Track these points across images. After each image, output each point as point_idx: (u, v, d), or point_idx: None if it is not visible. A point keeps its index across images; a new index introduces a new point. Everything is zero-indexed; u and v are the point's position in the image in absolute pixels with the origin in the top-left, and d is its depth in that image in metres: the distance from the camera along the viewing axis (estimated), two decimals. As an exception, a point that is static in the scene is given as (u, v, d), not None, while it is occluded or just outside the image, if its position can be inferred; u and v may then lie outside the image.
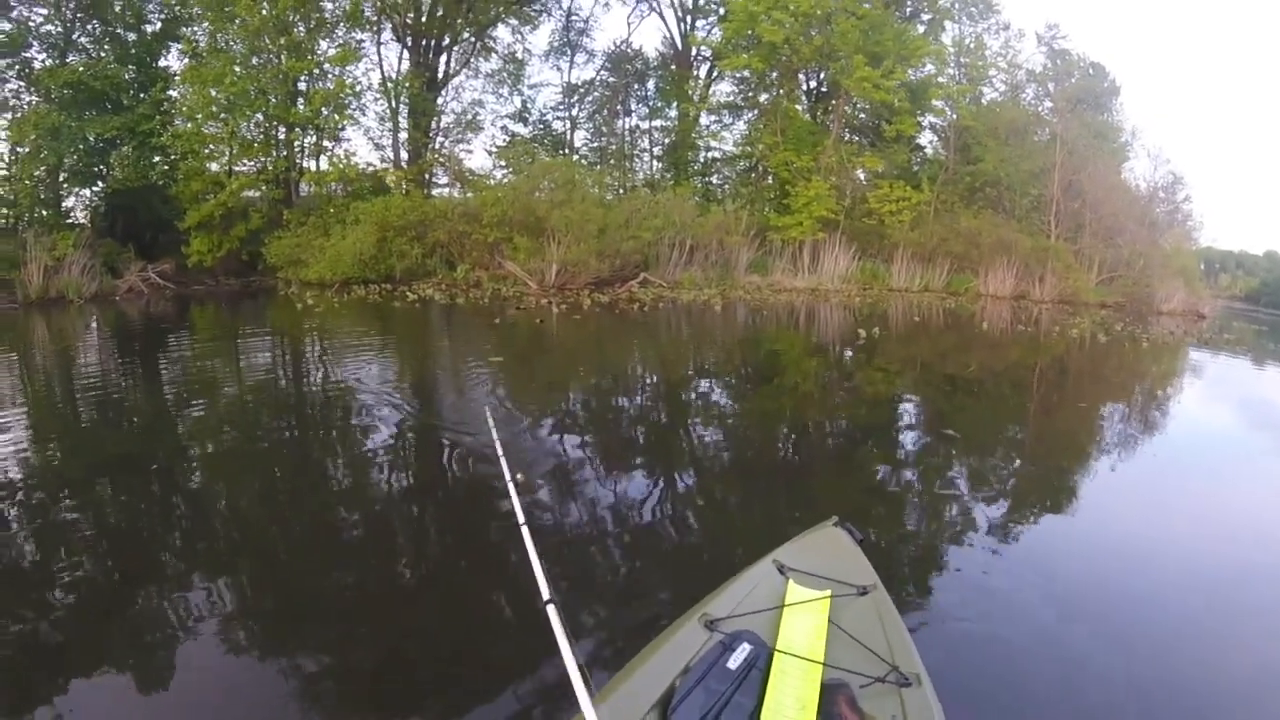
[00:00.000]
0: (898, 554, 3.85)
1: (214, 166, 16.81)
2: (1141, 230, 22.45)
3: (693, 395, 7.97)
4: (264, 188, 16.96)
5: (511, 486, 2.77)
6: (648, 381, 8.84)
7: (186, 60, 17.31)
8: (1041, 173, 21.07)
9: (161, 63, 17.99)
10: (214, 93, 16.13)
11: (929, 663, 1.86)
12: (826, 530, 2.59)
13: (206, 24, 17.19)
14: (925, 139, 23.20)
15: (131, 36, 17.58)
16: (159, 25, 18.06)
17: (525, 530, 2.37)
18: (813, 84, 22.61)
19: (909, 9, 21.94)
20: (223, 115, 16.45)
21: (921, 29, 21.62)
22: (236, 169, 17.03)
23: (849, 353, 10.78)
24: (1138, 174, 24.49)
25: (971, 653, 2.85)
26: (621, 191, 20.79)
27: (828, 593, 2.11)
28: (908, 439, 6.77)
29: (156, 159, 17.37)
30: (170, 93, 17.19)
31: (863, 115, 21.39)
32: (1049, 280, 20.56)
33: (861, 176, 20.78)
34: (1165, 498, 5.21)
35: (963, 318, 16.51)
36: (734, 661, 1.76)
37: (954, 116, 21.41)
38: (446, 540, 3.92)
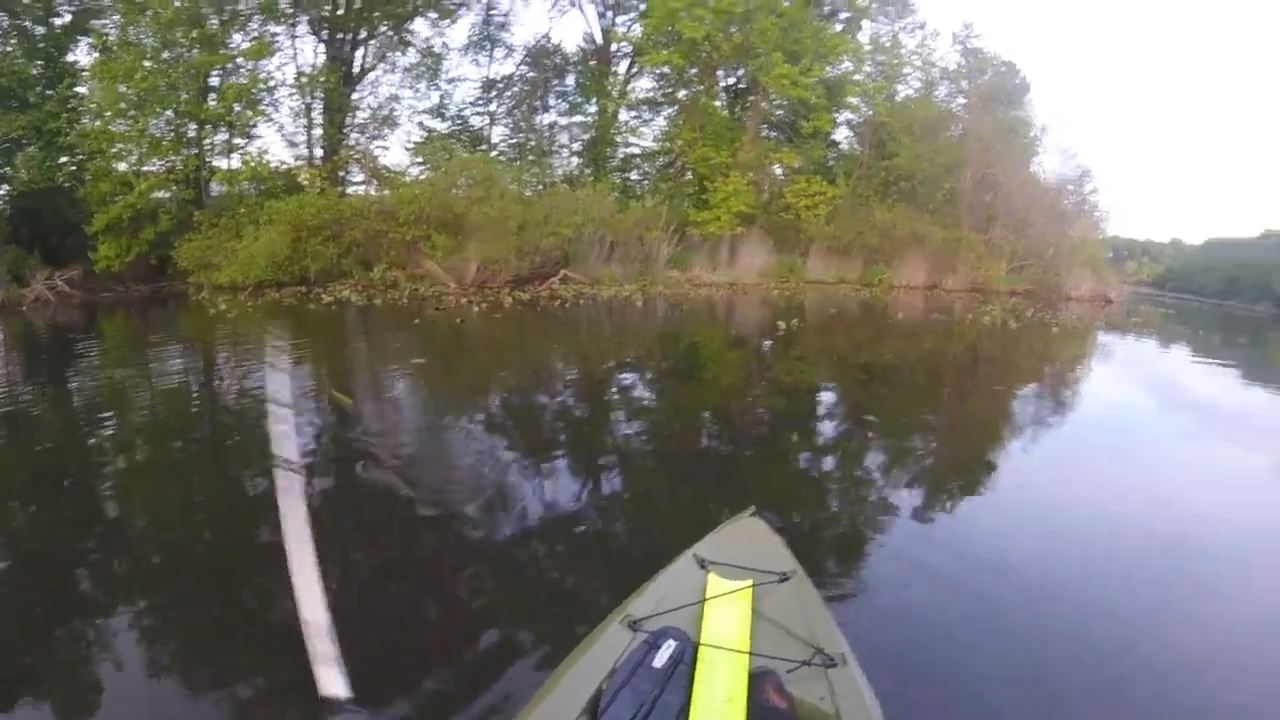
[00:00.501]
0: (821, 538, 3.94)
1: (122, 166, 16.22)
2: (1051, 221, 23.43)
3: (615, 391, 8.01)
4: (174, 188, 16.48)
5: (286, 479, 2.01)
6: (571, 379, 8.86)
7: (96, 55, 16.75)
8: (954, 167, 21.83)
9: (69, 57, 17.37)
10: (123, 89, 15.62)
11: (856, 643, 1.92)
12: (744, 521, 2.62)
13: (117, 16, 16.58)
14: (841, 135, 23.80)
15: (40, 30, 16.94)
16: (68, 18, 17.42)
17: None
18: (731, 80, 22.92)
19: (827, 7, 22.34)
20: (131, 112, 15.92)
21: (839, 27, 22.11)
22: (145, 169, 16.45)
23: (769, 344, 10.99)
24: (1047, 168, 25.42)
25: (898, 630, 2.96)
26: (540, 188, 20.78)
27: (749, 582, 2.11)
28: (828, 426, 6.98)
29: (63, 159, 16.82)
30: (78, 89, 16.66)
31: (780, 111, 21.82)
32: (961, 270, 21.42)
33: (778, 172, 21.26)
34: (1081, 475, 5.40)
35: (877, 308, 17.10)
36: (660, 660, 1.76)
37: (870, 113, 21.98)
38: (364, 552, 3.78)
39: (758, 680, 1.73)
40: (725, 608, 1.99)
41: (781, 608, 2.02)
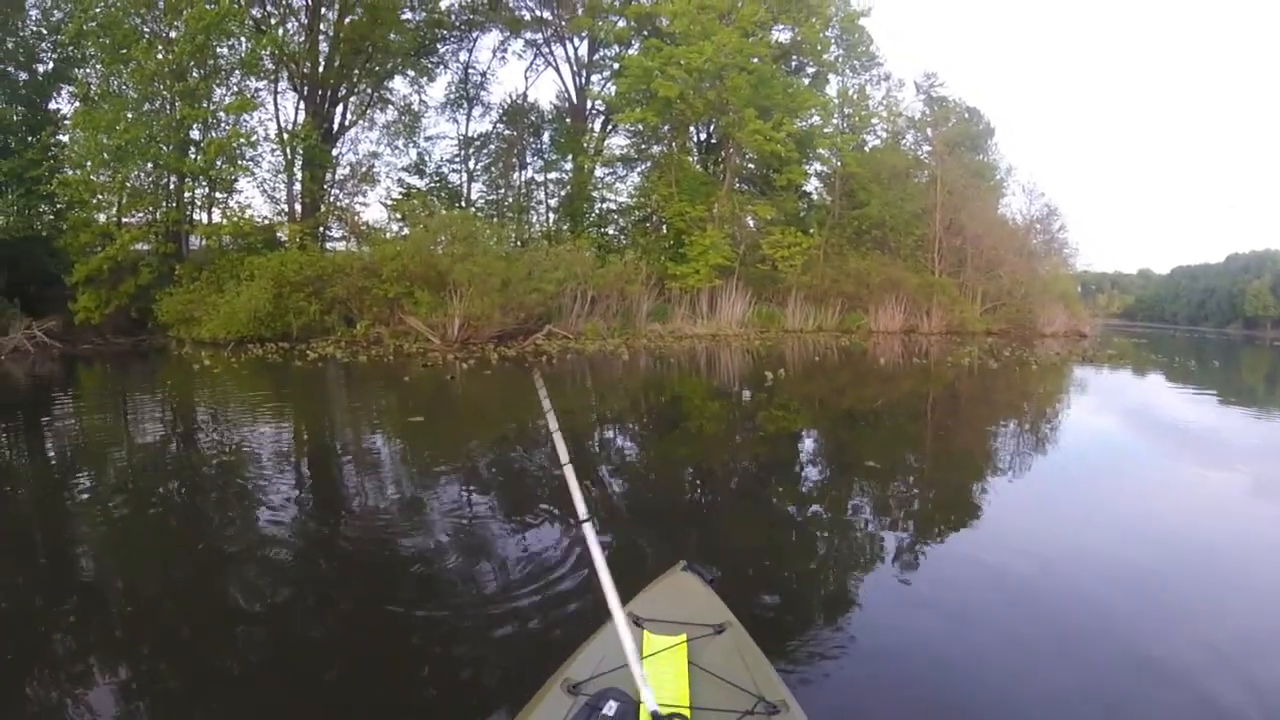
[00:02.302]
0: (804, 585, 3.91)
1: (101, 217, 16.31)
2: (1021, 260, 24.20)
3: (623, 446, 7.94)
4: (154, 240, 16.54)
5: None
6: (569, 435, 8.55)
7: (77, 104, 16.85)
8: (924, 213, 22.53)
9: (52, 105, 17.59)
10: (104, 139, 15.69)
11: (814, 690, 2.03)
12: (676, 575, 2.60)
13: (100, 66, 16.77)
14: (812, 185, 24.52)
15: (23, 76, 17.13)
16: (51, 65, 17.62)
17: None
18: (703, 135, 23.53)
19: (796, 63, 23.17)
20: (112, 163, 15.99)
21: (807, 81, 22.88)
22: (125, 220, 16.58)
23: (757, 395, 10.82)
24: (1014, 208, 26.41)
25: (845, 674, 2.92)
26: (519, 244, 21.01)
27: (683, 637, 2.12)
28: (816, 473, 6.98)
29: (43, 208, 16.82)
30: (60, 137, 16.75)
31: (751, 165, 22.38)
32: (936, 313, 22.00)
33: (752, 224, 21.72)
34: (1072, 509, 5.39)
35: (857, 354, 17.34)
36: None
37: (839, 164, 22.63)
38: (348, 615, 3.61)
39: None
40: (663, 664, 1.99)
41: (719, 660, 2.02)
